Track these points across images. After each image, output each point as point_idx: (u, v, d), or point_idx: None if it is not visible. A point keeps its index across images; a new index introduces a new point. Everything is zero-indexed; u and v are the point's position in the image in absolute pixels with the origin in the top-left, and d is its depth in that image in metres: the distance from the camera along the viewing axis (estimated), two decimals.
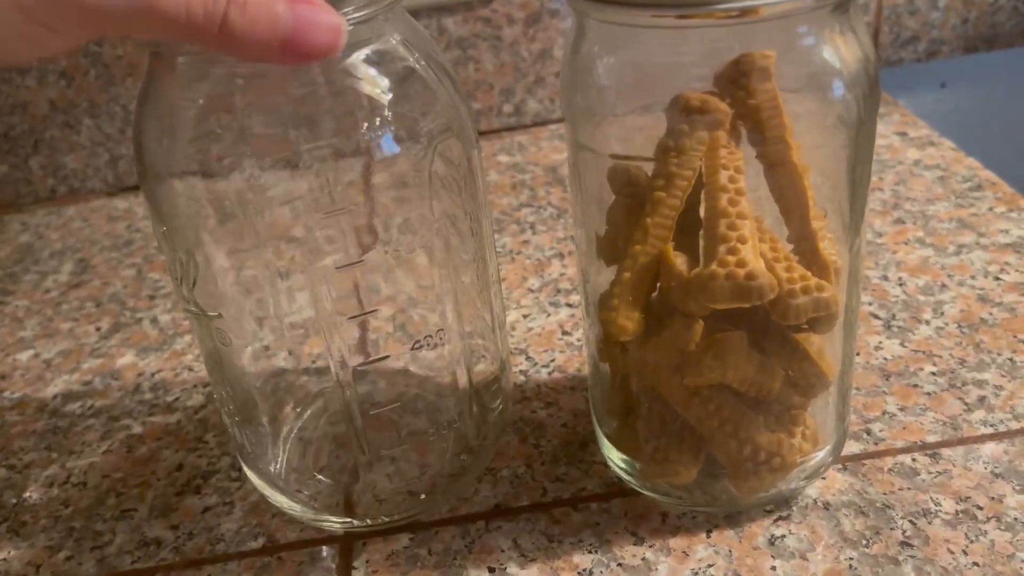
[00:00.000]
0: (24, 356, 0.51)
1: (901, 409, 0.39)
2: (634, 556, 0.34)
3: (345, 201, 0.31)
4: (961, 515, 0.34)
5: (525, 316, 0.48)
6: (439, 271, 0.34)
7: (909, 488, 0.35)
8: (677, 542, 0.34)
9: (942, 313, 0.44)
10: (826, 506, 0.35)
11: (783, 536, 0.34)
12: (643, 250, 0.29)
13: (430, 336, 0.35)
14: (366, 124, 0.30)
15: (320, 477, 0.37)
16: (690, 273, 0.29)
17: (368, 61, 0.30)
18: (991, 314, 0.44)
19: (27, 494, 0.41)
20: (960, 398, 0.39)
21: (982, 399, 0.39)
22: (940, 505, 0.34)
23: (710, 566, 0.33)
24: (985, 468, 0.35)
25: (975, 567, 0.32)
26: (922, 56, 0.71)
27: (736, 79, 0.27)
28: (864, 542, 0.33)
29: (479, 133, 0.49)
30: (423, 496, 0.36)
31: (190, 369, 0.47)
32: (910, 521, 0.34)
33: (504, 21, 0.66)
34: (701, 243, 0.29)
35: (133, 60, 0.65)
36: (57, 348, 0.51)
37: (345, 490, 0.36)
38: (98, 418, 0.45)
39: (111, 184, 0.69)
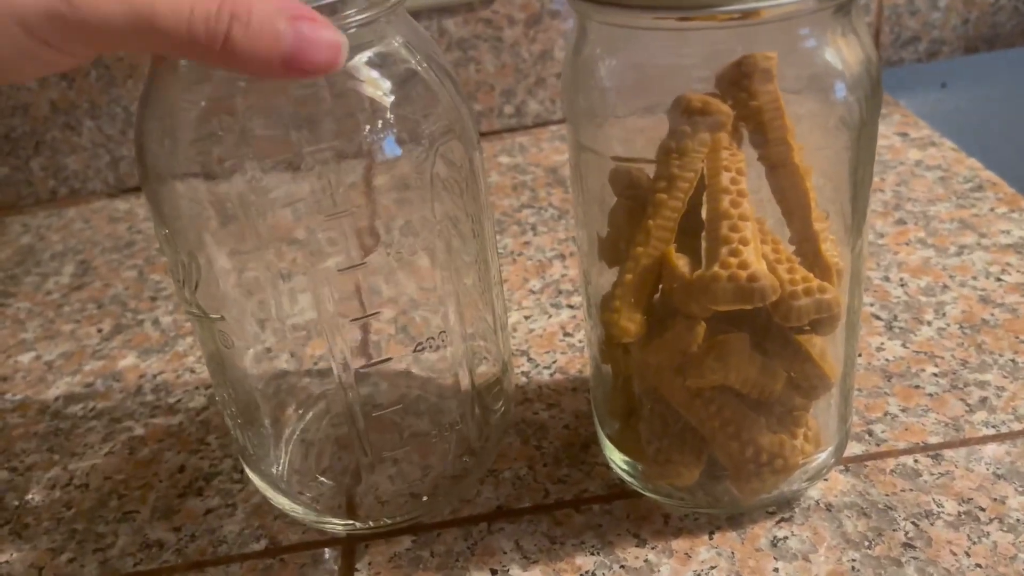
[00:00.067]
0: (26, 358, 0.51)
1: (903, 410, 0.39)
2: (636, 558, 0.34)
3: (347, 203, 0.31)
4: (963, 516, 0.34)
5: (527, 317, 0.48)
6: (441, 273, 0.34)
7: (911, 489, 0.35)
8: (679, 544, 0.34)
9: (944, 314, 0.44)
10: (828, 507, 0.35)
11: (785, 538, 0.34)
12: (645, 252, 0.29)
13: (432, 338, 0.35)
14: (368, 126, 0.30)
15: (322, 479, 0.37)
16: (692, 275, 0.29)
17: (370, 64, 0.30)
18: (993, 315, 0.44)
19: (29, 496, 0.41)
20: (962, 399, 0.39)
21: (984, 400, 0.39)
22: (942, 506, 0.34)
23: (712, 568, 0.33)
24: (987, 469, 0.35)
25: (977, 568, 0.32)
26: (923, 56, 0.71)
27: (738, 81, 0.27)
28: (866, 543, 0.33)
29: (480, 134, 0.49)
30: (425, 498, 0.36)
31: (192, 371, 0.47)
32: (912, 522, 0.34)
33: (505, 22, 0.66)
34: (703, 245, 0.29)
35: (134, 61, 0.65)
36: (59, 350, 0.51)
37: (347, 492, 0.36)
38: (100, 420, 0.45)
39: (112, 185, 0.69)
